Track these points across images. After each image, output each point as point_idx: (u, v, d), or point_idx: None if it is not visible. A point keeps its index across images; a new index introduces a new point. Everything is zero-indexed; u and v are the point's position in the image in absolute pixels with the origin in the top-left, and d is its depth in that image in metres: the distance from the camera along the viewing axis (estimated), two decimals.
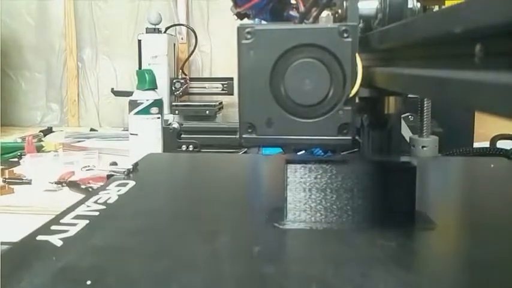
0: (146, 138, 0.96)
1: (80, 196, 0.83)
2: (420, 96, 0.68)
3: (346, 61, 0.36)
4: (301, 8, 0.51)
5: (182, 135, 1.02)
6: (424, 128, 0.78)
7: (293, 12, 0.57)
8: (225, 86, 1.52)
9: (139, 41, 1.45)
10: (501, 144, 0.92)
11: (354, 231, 0.41)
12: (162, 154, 0.93)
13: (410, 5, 0.40)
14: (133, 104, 0.96)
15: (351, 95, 0.36)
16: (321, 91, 0.36)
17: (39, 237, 0.40)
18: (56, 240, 0.39)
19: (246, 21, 0.60)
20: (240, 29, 0.37)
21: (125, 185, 0.55)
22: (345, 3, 0.40)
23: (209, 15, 1.69)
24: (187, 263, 0.36)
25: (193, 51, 1.60)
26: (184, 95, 1.53)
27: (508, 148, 0.88)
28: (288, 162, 0.41)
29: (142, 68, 1.43)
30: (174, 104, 1.47)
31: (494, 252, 0.38)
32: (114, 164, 0.99)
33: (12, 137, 1.39)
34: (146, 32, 1.46)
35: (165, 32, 1.49)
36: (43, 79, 1.77)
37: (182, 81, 1.49)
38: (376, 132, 0.44)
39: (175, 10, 1.65)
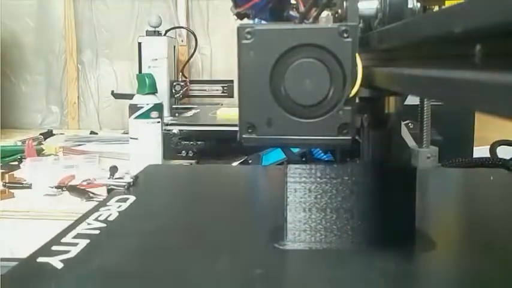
0: (146, 142, 0.96)
1: (78, 200, 0.84)
2: (420, 96, 0.68)
3: (346, 61, 0.36)
4: (301, 8, 0.51)
5: (182, 141, 1.02)
6: (424, 138, 0.77)
7: (293, 12, 0.57)
8: (225, 88, 1.52)
9: (140, 44, 1.45)
10: (501, 150, 0.91)
11: (354, 251, 0.41)
12: (162, 166, 0.93)
13: (410, 5, 0.40)
14: (133, 108, 0.96)
15: (351, 95, 0.36)
16: (321, 91, 0.36)
17: (40, 259, 0.40)
18: (56, 262, 0.39)
19: (246, 21, 0.60)
20: (240, 29, 0.37)
21: (125, 200, 0.55)
22: (344, 3, 0.40)
23: (209, 17, 1.70)
24: (187, 287, 0.35)
25: (193, 54, 1.60)
26: (184, 97, 1.53)
27: (508, 155, 0.88)
28: (288, 182, 0.41)
29: (143, 70, 1.43)
30: (174, 106, 1.48)
31: (495, 272, 0.38)
32: (114, 168, 0.99)
33: (12, 140, 1.39)
34: (146, 35, 1.46)
35: (165, 34, 1.49)
36: (43, 81, 1.77)
37: (182, 83, 1.50)
38: (376, 132, 0.44)
39: (175, 12, 1.65)
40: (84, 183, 0.93)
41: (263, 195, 0.62)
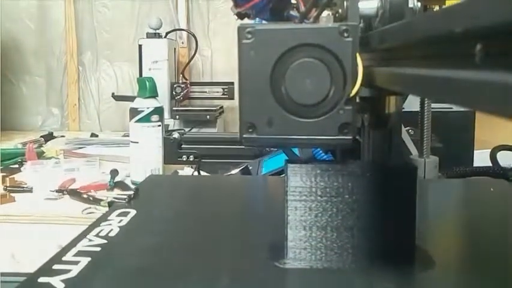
0: (147, 146, 0.96)
1: (79, 204, 0.84)
2: (421, 96, 0.68)
3: (346, 61, 0.36)
4: (302, 8, 0.51)
5: (183, 146, 1.02)
6: (424, 148, 0.76)
7: (293, 12, 0.57)
8: (225, 90, 1.53)
9: (140, 46, 1.45)
10: (501, 154, 0.91)
11: (354, 270, 0.41)
12: (162, 176, 0.92)
13: (410, 5, 0.40)
14: (133, 112, 0.96)
15: (351, 95, 0.36)
16: (321, 91, 0.36)
17: (41, 279, 0.39)
18: (57, 282, 0.39)
19: (246, 21, 0.60)
20: (241, 29, 0.37)
21: (126, 214, 0.55)
22: (345, 3, 0.40)
23: (209, 19, 1.70)
24: None
25: (193, 56, 1.61)
26: (184, 99, 1.53)
27: (508, 160, 0.88)
28: (288, 200, 0.41)
29: (143, 72, 1.43)
30: (174, 108, 1.48)
31: None
32: (115, 171, 0.98)
33: (13, 142, 1.39)
34: (147, 37, 1.46)
35: (165, 36, 1.50)
36: (44, 83, 1.77)
37: (183, 85, 1.50)
38: (377, 131, 0.44)
39: (176, 15, 1.66)
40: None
41: (264, 209, 0.62)
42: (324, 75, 0.36)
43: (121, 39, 1.73)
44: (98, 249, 0.45)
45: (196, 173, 0.93)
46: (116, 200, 0.62)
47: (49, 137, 1.51)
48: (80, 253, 0.44)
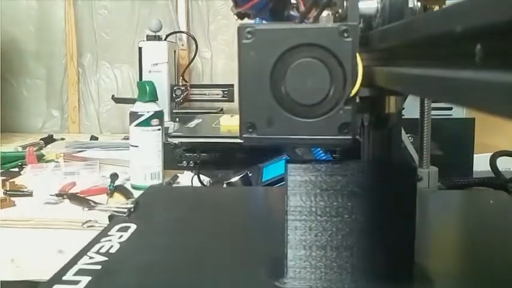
0: (147, 150, 0.96)
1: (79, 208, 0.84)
2: (421, 96, 0.68)
3: (346, 61, 0.36)
4: (302, 8, 0.51)
5: (183, 151, 1.02)
6: (424, 158, 0.76)
7: (293, 12, 0.57)
8: (225, 92, 1.53)
9: (140, 49, 1.45)
10: (501, 161, 0.91)
11: None
12: (162, 188, 0.92)
13: (410, 5, 0.40)
14: (133, 116, 0.96)
15: (351, 95, 0.36)
16: (321, 91, 0.36)
17: None
18: None
19: (246, 21, 0.60)
20: (241, 29, 0.37)
21: (126, 229, 0.55)
22: (345, 2, 0.40)
23: (209, 21, 1.70)
24: None
25: (193, 58, 1.61)
26: (184, 101, 1.53)
27: (508, 166, 0.88)
28: (289, 220, 0.41)
29: (143, 75, 1.43)
30: (174, 111, 1.48)
31: None
32: (115, 175, 0.98)
33: (13, 144, 1.39)
34: (147, 39, 1.46)
35: (165, 39, 1.50)
36: (44, 85, 1.77)
37: (183, 88, 1.50)
38: (377, 131, 0.44)
39: (176, 17, 1.66)
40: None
41: (264, 223, 0.62)
42: (324, 75, 0.36)
43: (121, 41, 1.73)
44: (99, 267, 0.46)
45: (196, 178, 0.93)
46: (116, 214, 0.62)
47: (49, 139, 1.50)
48: (81, 272, 0.44)
